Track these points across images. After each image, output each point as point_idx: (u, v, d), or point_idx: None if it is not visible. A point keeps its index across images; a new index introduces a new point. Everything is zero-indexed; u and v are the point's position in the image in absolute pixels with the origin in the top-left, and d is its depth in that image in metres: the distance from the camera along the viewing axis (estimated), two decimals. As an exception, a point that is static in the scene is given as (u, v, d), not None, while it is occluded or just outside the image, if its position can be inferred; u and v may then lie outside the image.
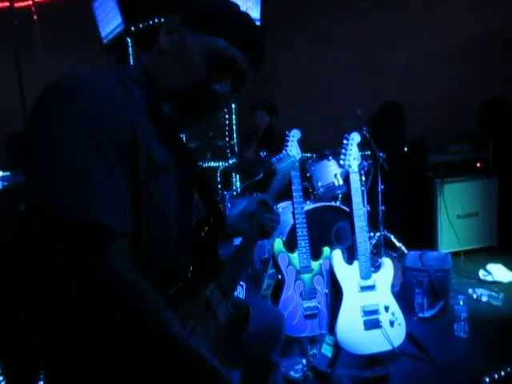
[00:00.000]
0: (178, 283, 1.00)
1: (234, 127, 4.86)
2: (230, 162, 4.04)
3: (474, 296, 3.04)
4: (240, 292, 2.49)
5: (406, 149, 4.48)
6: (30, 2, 2.75)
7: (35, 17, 2.72)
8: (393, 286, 2.18)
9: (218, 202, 1.22)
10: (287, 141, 2.35)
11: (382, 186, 3.82)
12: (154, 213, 0.93)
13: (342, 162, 2.17)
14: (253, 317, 1.25)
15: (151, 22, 4.20)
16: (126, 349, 0.85)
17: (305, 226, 2.30)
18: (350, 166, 2.15)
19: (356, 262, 2.11)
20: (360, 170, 3.44)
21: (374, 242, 3.83)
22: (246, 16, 1.05)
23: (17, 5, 2.60)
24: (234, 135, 4.87)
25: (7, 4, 2.45)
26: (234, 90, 1.04)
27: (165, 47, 1.00)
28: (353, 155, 2.17)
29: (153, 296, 0.86)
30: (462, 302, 2.51)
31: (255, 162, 3.49)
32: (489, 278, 3.36)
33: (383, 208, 3.83)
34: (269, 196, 1.42)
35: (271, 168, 1.51)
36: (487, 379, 2.02)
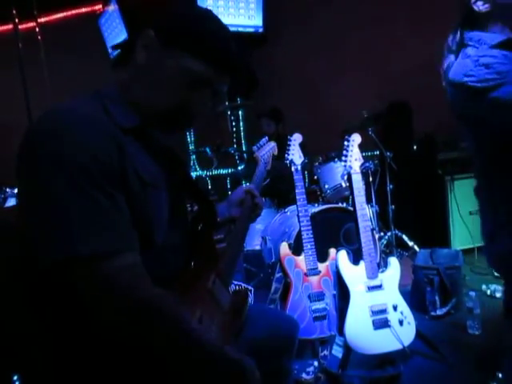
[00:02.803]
0: (182, 278, 1.04)
1: (242, 133, 4.90)
2: (239, 168, 4.07)
3: (488, 292, 3.00)
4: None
5: (415, 147, 4.46)
6: (34, 24, 2.83)
7: (39, 37, 2.80)
8: (404, 286, 2.18)
9: (208, 196, 1.27)
10: (289, 145, 2.37)
11: (391, 186, 3.81)
12: (149, 223, 0.95)
13: (343, 164, 2.19)
14: (265, 323, 1.29)
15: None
16: (150, 354, 0.88)
17: (310, 228, 2.31)
18: (351, 167, 2.16)
19: (362, 262, 2.12)
20: (366, 171, 3.45)
21: (385, 241, 3.82)
22: (222, 30, 1.03)
23: (21, 27, 2.68)
24: (243, 141, 4.91)
25: (11, 26, 2.54)
26: (213, 104, 1.06)
27: (141, 63, 0.99)
28: (354, 156, 2.18)
29: (170, 302, 0.89)
30: (473, 299, 2.49)
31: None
32: (503, 274, 3.31)
33: (393, 207, 3.82)
34: (254, 184, 1.47)
35: (253, 156, 1.55)
36: (500, 375, 2.00)
